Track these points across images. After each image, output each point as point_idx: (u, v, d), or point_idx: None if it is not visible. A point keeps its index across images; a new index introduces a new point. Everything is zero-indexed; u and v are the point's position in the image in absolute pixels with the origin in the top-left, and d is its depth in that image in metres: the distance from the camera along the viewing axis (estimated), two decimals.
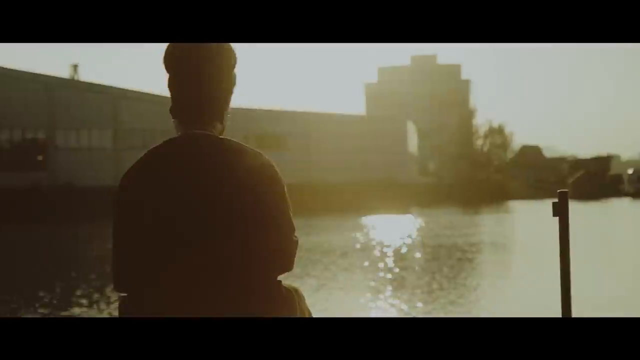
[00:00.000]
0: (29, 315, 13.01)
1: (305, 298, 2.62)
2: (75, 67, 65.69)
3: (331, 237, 30.33)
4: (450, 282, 16.74)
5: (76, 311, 13.45)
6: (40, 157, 58.01)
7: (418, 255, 23.49)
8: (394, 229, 35.96)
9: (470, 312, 13.01)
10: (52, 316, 12.99)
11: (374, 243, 27.84)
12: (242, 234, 2.38)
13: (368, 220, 43.70)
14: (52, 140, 58.71)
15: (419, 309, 13.27)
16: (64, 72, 65.84)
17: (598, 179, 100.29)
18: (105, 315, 12.93)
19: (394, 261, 21.45)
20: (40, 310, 13.56)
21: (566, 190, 2.89)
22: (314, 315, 2.66)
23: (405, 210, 55.75)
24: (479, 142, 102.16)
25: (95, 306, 13.94)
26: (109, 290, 16.06)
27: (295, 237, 2.49)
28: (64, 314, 13.28)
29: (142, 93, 62.28)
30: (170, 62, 2.53)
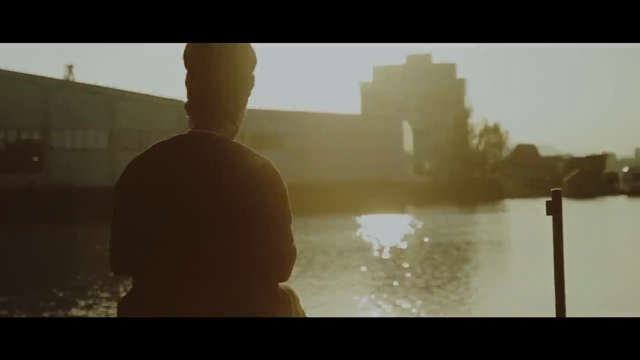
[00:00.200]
0: (25, 316, 13.00)
1: (302, 298, 2.63)
2: (70, 67, 65.64)
3: (327, 237, 30.34)
4: (446, 282, 16.76)
5: (72, 312, 13.44)
6: (35, 158, 57.94)
7: (414, 254, 23.50)
8: (390, 228, 35.99)
9: (466, 311, 13.02)
10: (49, 316, 12.98)
11: (370, 242, 27.86)
12: (239, 233, 2.38)
13: (364, 219, 43.72)
14: (47, 141, 58.64)
15: (417, 308, 13.28)
16: (59, 73, 65.70)
17: (593, 177, 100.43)
18: (101, 314, 12.92)
19: (391, 260, 21.47)
20: (38, 311, 13.55)
21: (560, 189, 2.89)
22: (310, 316, 2.67)
23: (401, 210, 55.79)
24: (475, 141, 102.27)
25: (94, 307, 13.94)
26: (107, 291, 16.06)
27: (294, 246, 2.49)
28: (60, 314, 13.27)
29: (138, 94, 62.23)
30: (186, 59, 2.55)
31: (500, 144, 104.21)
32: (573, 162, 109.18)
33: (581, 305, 12.32)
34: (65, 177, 56.18)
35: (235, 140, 2.52)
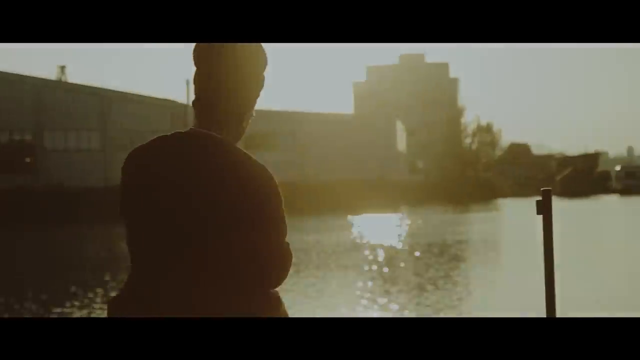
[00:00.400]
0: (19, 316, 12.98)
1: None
2: (62, 68, 65.49)
3: (321, 236, 30.34)
4: (440, 281, 16.77)
5: (66, 312, 13.42)
6: (28, 159, 57.78)
7: (409, 253, 23.51)
8: (384, 228, 36.00)
9: (457, 312, 13.04)
10: (43, 317, 12.96)
11: (364, 242, 27.86)
12: (223, 234, 2.38)
13: (358, 219, 43.73)
14: (40, 142, 58.49)
15: (411, 308, 13.29)
16: (52, 74, 65.50)
17: (586, 176, 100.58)
18: (94, 312, 12.90)
19: (385, 259, 21.47)
20: (31, 311, 13.52)
21: (550, 188, 2.90)
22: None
23: (395, 209, 55.81)
24: (468, 140, 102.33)
25: (86, 308, 13.92)
26: (100, 291, 16.04)
27: (284, 250, 2.47)
28: (53, 314, 13.24)
29: (131, 94, 62.12)
30: (194, 58, 2.57)
31: (493, 143, 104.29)
32: (566, 161, 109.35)
33: (572, 304, 12.35)
34: (58, 178, 56.05)
35: (236, 145, 2.53)
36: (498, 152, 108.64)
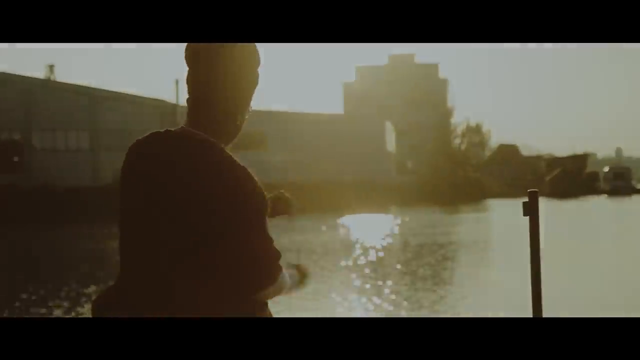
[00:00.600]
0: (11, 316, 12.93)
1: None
2: (51, 67, 65.24)
3: (312, 237, 30.34)
4: (430, 281, 16.80)
5: (56, 312, 13.38)
6: (16, 159, 57.55)
7: (399, 254, 23.55)
8: (374, 228, 36.03)
9: (447, 311, 13.07)
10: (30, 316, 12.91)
11: (354, 242, 27.88)
12: (202, 236, 2.37)
13: (348, 219, 43.74)
14: (28, 141, 58.27)
15: (401, 308, 13.31)
16: (40, 73, 65.28)
17: (575, 176, 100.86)
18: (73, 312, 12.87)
19: (376, 260, 21.50)
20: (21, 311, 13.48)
21: (536, 190, 2.92)
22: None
23: (384, 209, 55.84)
24: (457, 140, 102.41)
25: (75, 308, 13.89)
26: (87, 290, 15.99)
27: (272, 252, 2.44)
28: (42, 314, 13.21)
29: (120, 93, 61.93)
30: (186, 58, 2.58)
31: (482, 143, 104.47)
32: (554, 162, 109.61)
33: (558, 305, 12.40)
34: (46, 178, 55.83)
35: (220, 146, 2.52)
36: (487, 153, 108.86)
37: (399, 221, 41.32)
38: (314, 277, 18.18)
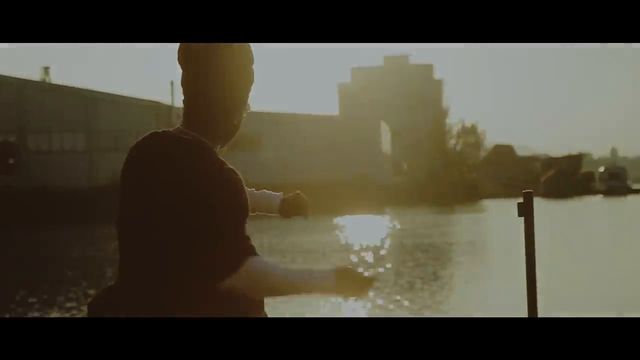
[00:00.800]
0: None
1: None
2: (46, 69, 65.14)
3: (308, 238, 30.33)
4: (426, 282, 16.81)
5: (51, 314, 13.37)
6: (12, 160, 57.45)
7: (395, 254, 23.56)
8: (370, 229, 36.03)
9: (443, 311, 13.08)
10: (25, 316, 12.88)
11: (350, 243, 27.88)
12: (173, 238, 2.40)
13: (344, 220, 43.75)
14: (23, 143, 58.18)
15: (395, 308, 13.32)
16: (36, 74, 65.18)
17: (570, 177, 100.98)
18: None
19: (372, 261, 21.50)
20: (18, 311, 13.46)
21: (531, 190, 2.93)
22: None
23: (380, 210, 55.86)
24: (452, 141, 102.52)
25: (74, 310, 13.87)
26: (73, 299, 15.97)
27: (230, 246, 2.39)
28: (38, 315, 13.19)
29: (115, 95, 61.87)
30: (179, 58, 2.58)
31: (477, 144, 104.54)
32: (550, 162, 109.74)
33: (553, 305, 12.41)
34: (42, 179, 55.76)
35: (206, 146, 2.54)
36: (482, 153, 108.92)
37: (395, 223, 41.35)
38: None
